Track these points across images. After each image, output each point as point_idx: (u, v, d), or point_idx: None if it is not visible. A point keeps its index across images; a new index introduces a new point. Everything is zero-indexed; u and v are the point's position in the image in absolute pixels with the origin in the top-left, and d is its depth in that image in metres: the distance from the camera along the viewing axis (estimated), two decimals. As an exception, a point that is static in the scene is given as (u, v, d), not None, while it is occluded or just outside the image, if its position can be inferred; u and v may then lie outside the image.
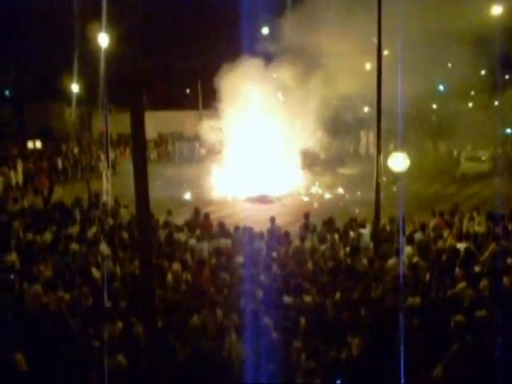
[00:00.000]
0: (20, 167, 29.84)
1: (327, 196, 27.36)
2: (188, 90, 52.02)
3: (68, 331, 9.15)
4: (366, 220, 15.06)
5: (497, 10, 28.29)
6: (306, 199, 26.56)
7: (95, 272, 11.81)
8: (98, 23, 20.64)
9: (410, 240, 12.90)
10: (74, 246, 13.53)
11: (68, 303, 10.26)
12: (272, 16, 27.57)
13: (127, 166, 32.20)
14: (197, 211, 17.17)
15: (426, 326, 8.59)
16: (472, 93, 49.90)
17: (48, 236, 14.48)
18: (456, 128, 37.92)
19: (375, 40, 15.09)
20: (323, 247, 13.23)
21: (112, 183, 22.11)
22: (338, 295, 9.96)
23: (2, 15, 37.15)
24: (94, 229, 15.08)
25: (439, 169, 34.51)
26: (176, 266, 12.04)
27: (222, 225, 15.17)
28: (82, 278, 11.22)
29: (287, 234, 13.94)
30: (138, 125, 7.72)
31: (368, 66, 32.01)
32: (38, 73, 42.25)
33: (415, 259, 11.58)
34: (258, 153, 26.80)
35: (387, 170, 15.85)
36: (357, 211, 18.95)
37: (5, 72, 42.77)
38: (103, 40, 20.57)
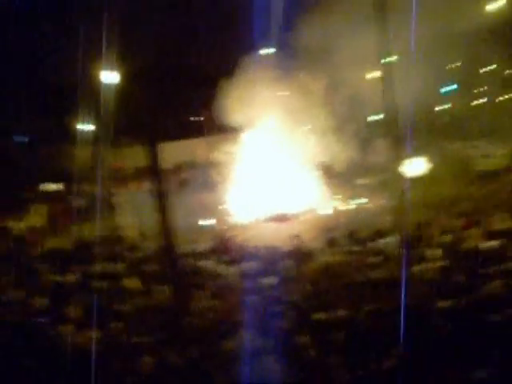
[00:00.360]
0: (38, 210, 30.09)
1: (347, 208, 27.19)
2: (196, 118, 52.23)
3: (103, 369, 9.09)
4: (391, 228, 14.96)
5: (493, 5, 28.26)
6: (326, 213, 26.40)
7: (124, 307, 11.80)
8: (105, 61, 20.82)
9: (438, 243, 12.76)
10: (101, 284, 13.54)
11: (100, 341, 10.22)
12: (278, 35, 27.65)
13: (144, 198, 32.40)
14: (219, 236, 17.21)
15: (463, 328, 8.46)
16: (483, 89, 49.59)
17: (72, 276, 14.53)
18: (470, 126, 37.64)
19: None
20: (350, 260, 13.13)
21: (131, 217, 22.19)
22: (369, 306, 9.84)
23: (12, 60, 37.64)
24: (119, 264, 15.11)
25: (457, 169, 34.18)
26: (204, 294, 12.00)
27: (245, 247, 15.14)
28: (112, 315, 11.20)
29: (313, 250, 13.85)
30: (155, 158, 7.77)
31: (376, 73, 31.93)
32: (48, 115, 42.70)
33: (445, 262, 11.45)
34: (273, 171, 26.77)
35: (406, 176, 15.74)
36: (380, 220, 18.74)
37: (18, 118, 43.31)
38: (111, 78, 20.75)
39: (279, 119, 26.49)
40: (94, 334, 10.39)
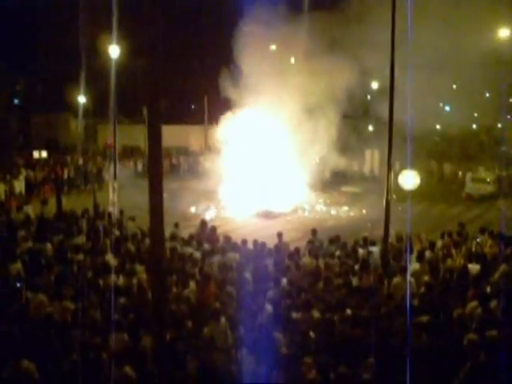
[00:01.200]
0: (23, 176, 29.96)
1: (332, 213, 27.35)
2: (193, 106, 52.16)
3: (72, 341, 9.02)
4: (376, 238, 15.02)
5: (504, 33, 28.49)
6: (310, 216, 26.54)
7: (102, 283, 11.73)
8: (108, 34, 20.77)
9: (420, 258, 12.83)
10: (80, 257, 13.47)
11: (73, 313, 10.16)
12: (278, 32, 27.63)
13: (131, 177, 32.25)
14: (203, 224, 17.14)
15: (438, 344, 8.52)
16: (476, 114, 50.09)
17: (50, 246, 14.40)
18: (461, 149, 38.02)
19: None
20: (332, 263, 13.14)
21: (118, 194, 22.05)
22: (347, 312, 9.87)
23: (14, 27, 37.42)
24: (101, 239, 15.04)
25: (444, 189, 34.52)
26: (184, 280, 11.94)
27: (229, 239, 15.10)
28: (90, 289, 11.13)
29: (296, 249, 13.86)
30: (155, 137, 7.69)
31: (374, 84, 32.08)
32: (47, 83, 42.46)
33: (427, 278, 11.50)
34: (264, 168, 26.81)
35: (395, 188, 15.82)
36: (367, 228, 18.80)
37: (15, 82, 43.03)
38: (114, 51, 20.62)
39: (278, 116, 26.49)
40: (66, 306, 10.32)
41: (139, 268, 12.51)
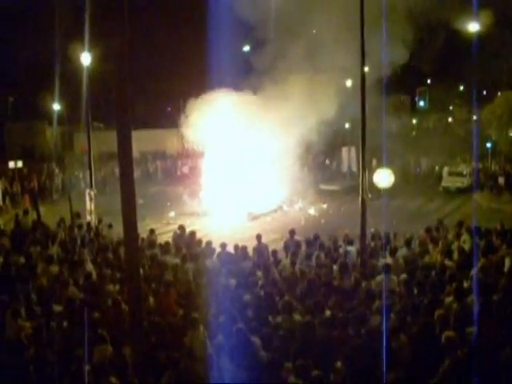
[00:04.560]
0: (0, 187, 29.64)
1: (311, 212, 27.38)
2: (169, 109, 51.84)
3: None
4: (353, 236, 15.00)
5: (474, 27, 28.73)
6: (289, 215, 26.55)
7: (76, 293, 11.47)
8: (80, 41, 20.65)
9: (393, 253, 12.79)
10: (54, 268, 13.18)
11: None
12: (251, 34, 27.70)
13: (109, 183, 31.92)
14: (182, 229, 17.01)
15: (416, 342, 8.54)
16: (451, 107, 50.52)
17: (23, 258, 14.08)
18: (437, 143, 38.27)
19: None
20: (310, 265, 13.10)
21: (94, 202, 21.88)
22: (327, 314, 9.84)
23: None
24: (79, 249, 14.89)
25: (421, 183, 34.78)
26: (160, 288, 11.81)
27: (208, 243, 14.99)
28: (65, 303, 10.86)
29: (275, 252, 13.81)
30: (126, 143, 7.64)
31: (348, 82, 32.22)
32: (20, 92, 42.00)
33: (403, 276, 11.49)
34: (241, 169, 26.78)
35: (371, 186, 15.86)
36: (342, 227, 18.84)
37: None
38: (86, 59, 20.49)
39: (252, 122, 26.54)
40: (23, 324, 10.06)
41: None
